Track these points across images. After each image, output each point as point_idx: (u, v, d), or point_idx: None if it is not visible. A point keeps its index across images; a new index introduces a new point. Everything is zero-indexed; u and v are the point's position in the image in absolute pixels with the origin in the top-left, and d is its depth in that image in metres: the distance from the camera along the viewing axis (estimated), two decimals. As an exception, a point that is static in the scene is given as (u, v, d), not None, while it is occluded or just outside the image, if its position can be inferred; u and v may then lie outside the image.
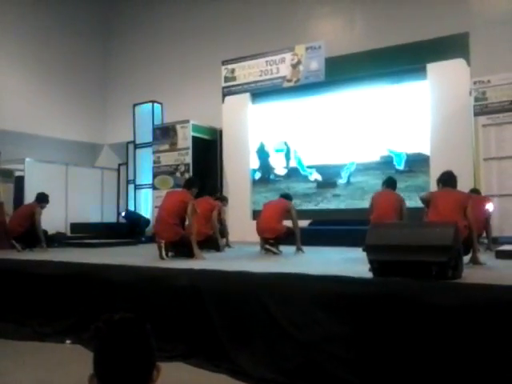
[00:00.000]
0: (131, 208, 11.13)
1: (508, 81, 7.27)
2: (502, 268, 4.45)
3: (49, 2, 11.92)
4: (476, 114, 7.49)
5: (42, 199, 7.72)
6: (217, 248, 6.89)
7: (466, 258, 4.40)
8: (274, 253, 6.36)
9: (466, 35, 7.58)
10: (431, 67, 7.97)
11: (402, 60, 8.21)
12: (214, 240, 6.93)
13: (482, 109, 7.45)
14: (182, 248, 5.80)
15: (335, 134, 9.09)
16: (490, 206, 6.35)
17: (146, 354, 1.44)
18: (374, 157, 8.72)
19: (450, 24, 7.99)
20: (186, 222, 5.97)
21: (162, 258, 5.58)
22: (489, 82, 7.42)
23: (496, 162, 7.31)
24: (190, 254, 5.67)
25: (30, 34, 11.56)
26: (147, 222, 10.28)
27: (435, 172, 7.53)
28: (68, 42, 12.33)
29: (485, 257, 4.86)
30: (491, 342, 2.80)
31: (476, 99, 7.49)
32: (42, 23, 11.80)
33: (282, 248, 6.52)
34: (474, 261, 4.55)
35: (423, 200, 5.02)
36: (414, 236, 3.61)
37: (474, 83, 7.52)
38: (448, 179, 4.98)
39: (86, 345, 3.93)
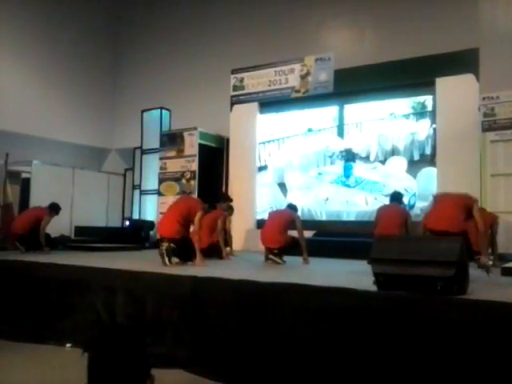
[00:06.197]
0: (135, 215, 11.16)
1: (517, 97, 7.27)
2: (507, 285, 4.41)
3: (60, 6, 12.04)
4: (484, 130, 7.47)
5: (54, 208, 7.69)
6: (220, 256, 6.89)
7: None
8: (277, 263, 6.34)
9: (475, 51, 7.57)
10: (440, 82, 7.96)
11: (411, 74, 8.20)
12: (218, 248, 6.93)
13: (491, 125, 7.43)
14: (182, 249, 5.79)
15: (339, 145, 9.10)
16: (495, 223, 6.32)
17: (139, 364, 1.42)
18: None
19: (460, 39, 7.99)
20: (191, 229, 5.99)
21: (165, 264, 5.57)
22: (498, 98, 7.42)
23: (503, 178, 7.28)
24: (189, 257, 5.67)
25: (41, 38, 11.65)
26: (152, 225, 10.30)
27: (441, 187, 7.56)
28: (79, 47, 12.43)
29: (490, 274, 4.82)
30: (495, 359, 2.76)
31: (484, 115, 7.48)
32: (52, 27, 11.91)
33: (289, 258, 6.49)
34: (482, 264, 4.57)
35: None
36: (419, 250, 3.58)
37: (483, 99, 7.50)
38: None
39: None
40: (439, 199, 5.12)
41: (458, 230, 4.59)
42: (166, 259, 5.59)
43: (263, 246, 6.59)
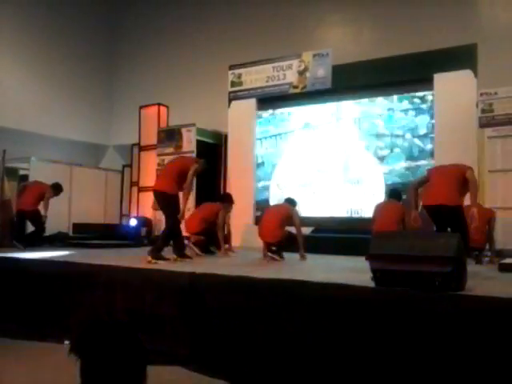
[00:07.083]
0: (132, 212, 11.14)
1: (515, 93, 7.26)
2: (505, 281, 4.43)
3: (57, 2, 11.97)
4: (482, 126, 7.46)
5: (56, 188, 8.07)
6: (217, 246, 7.04)
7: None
8: (276, 259, 6.33)
9: (473, 46, 7.56)
10: (438, 77, 7.95)
11: (409, 70, 8.19)
12: (215, 236, 7.03)
13: (489, 121, 7.43)
14: (170, 207, 5.85)
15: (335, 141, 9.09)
16: (493, 219, 6.33)
17: (134, 361, 1.36)
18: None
19: (458, 35, 7.99)
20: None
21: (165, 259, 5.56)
22: (496, 94, 7.40)
23: (501, 175, 7.28)
24: (170, 211, 5.80)
25: (37, 34, 11.61)
26: (150, 222, 10.29)
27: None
28: (76, 42, 12.38)
29: (488, 269, 4.84)
30: (493, 355, 2.77)
31: (482, 111, 7.47)
32: (49, 23, 11.86)
33: (286, 254, 6.48)
34: (470, 215, 4.81)
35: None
36: (417, 246, 3.58)
37: (481, 95, 7.50)
38: None
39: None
40: (433, 174, 5.19)
41: (454, 203, 4.84)
42: (160, 262, 5.54)
43: (261, 240, 6.58)
